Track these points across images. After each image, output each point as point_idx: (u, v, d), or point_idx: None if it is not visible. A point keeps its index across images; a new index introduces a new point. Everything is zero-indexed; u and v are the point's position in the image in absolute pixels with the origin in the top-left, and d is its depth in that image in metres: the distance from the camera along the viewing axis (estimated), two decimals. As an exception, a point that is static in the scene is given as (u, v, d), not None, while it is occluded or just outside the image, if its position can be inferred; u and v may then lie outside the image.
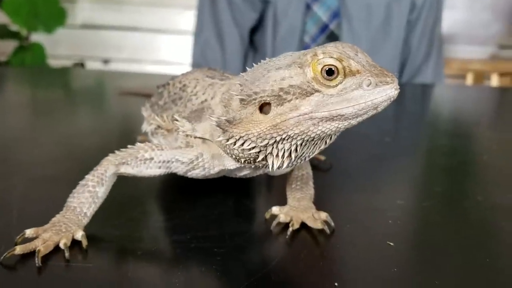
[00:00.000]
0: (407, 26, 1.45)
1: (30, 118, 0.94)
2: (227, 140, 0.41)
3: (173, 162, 0.46)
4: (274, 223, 0.45)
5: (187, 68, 1.42)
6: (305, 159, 0.41)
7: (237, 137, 0.40)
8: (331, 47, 0.38)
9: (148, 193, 0.54)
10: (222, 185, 0.54)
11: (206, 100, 0.46)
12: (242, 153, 0.41)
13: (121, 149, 0.46)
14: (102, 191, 0.44)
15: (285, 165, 0.40)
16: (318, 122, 0.38)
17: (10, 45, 2.13)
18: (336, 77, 0.37)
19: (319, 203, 0.49)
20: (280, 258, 0.41)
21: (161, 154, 0.46)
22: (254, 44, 1.51)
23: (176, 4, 2.32)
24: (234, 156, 0.42)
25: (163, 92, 0.54)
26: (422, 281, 0.38)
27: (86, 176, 0.44)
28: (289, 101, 0.38)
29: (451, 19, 1.95)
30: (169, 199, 0.53)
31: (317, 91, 0.37)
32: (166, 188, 0.55)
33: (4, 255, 0.38)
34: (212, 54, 1.44)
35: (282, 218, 0.45)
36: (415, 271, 0.40)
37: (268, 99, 0.38)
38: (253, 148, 0.40)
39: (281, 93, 0.38)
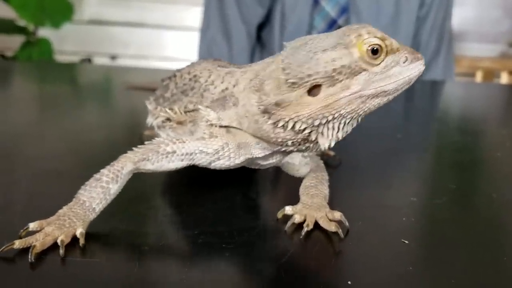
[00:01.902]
0: (417, 22, 1.43)
1: (36, 112, 0.94)
2: (275, 123, 0.41)
3: (196, 153, 0.45)
4: (289, 223, 0.44)
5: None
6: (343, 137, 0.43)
7: (287, 119, 0.40)
8: (366, 27, 0.40)
9: (154, 187, 0.53)
10: (230, 180, 0.53)
11: (227, 88, 0.46)
12: (292, 135, 0.41)
13: (139, 146, 0.45)
14: (115, 188, 0.42)
15: (332, 143, 0.41)
16: (366, 100, 0.40)
17: (17, 40, 2.13)
18: (380, 55, 0.39)
19: (330, 200, 0.47)
20: (291, 254, 0.40)
21: (183, 146, 0.45)
22: (261, 41, 1.50)
23: (182, 0, 2.32)
24: (279, 140, 0.42)
25: (169, 85, 0.54)
26: (437, 279, 0.37)
27: (102, 170, 0.43)
28: (340, 81, 0.39)
29: (461, 16, 1.93)
30: (175, 193, 0.52)
31: (364, 69, 0.39)
32: (173, 182, 0.54)
33: (2, 248, 0.37)
34: (218, 51, 1.44)
35: (297, 218, 0.44)
36: (429, 269, 0.38)
37: (321, 81, 0.39)
38: (304, 129, 0.41)
39: (334, 74, 0.39)
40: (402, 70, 0.40)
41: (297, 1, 1.38)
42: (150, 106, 0.57)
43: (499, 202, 0.51)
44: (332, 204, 0.46)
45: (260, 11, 1.41)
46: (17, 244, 0.38)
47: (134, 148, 0.45)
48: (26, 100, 1.02)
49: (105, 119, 0.89)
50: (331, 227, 0.43)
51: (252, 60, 1.46)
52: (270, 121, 0.41)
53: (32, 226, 0.40)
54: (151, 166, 0.45)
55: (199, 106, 0.47)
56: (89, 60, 2.22)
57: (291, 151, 0.44)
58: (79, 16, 2.30)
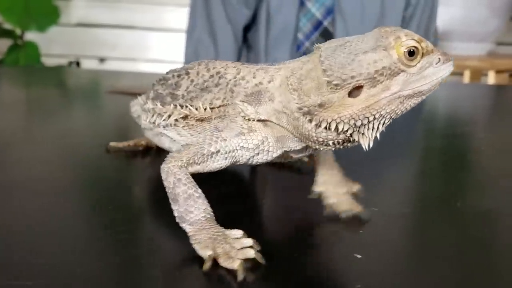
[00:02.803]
0: (402, 22, 1.44)
1: (22, 117, 0.93)
2: (317, 124, 0.42)
3: (238, 150, 0.46)
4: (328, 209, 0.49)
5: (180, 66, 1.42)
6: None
7: (329, 120, 0.41)
8: (403, 30, 0.41)
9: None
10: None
11: (261, 83, 0.46)
12: (334, 136, 0.42)
13: (177, 150, 0.45)
14: (201, 190, 0.43)
15: (371, 144, 0.42)
16: (404, 100, 0.41)
17: (4, 44, 2.12)
18: (416, 57, 0.40)
19: (294, 203, 0.48)
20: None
21: (226, 145, 0.45)
22: (248, 42, 1.50)
23: (169, 2, 2.31)
24: (321, 140, 0.43)
25: (180, 82, 0.52)
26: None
27: (177, 191, 0.42)
28: (381, 82, 0.40)
29: (448, 15, 1.93)
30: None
31: (402, 71, 0.40)
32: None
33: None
34: (205, 52, 1.43)
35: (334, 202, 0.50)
36: (384, 285, 0.38)
37: (364, 82, 0.40)
38: (347, 130, 0.42)
39: (375, 75, 0.40)
40: (435, 71, 0.42)
41: (283, 2, 1.38)
42: (151, 105, 0.55)
43: (464, 211, 0.51)
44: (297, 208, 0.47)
45: (246, 12, 1.41)
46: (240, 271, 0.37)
47: (174, 154, 0.45)
48: (12, 105, 1.02)
49: (93, 124, 0.89)
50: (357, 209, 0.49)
51: (238, 61, 1.45)
52: (313, 122, 0.42)
53: (207, 265, 0.39)
54: (198, 168, 0.45)
55: (235, 101, 0.46)
56: (77, 63, 2.21)
57: (343, 147, 0.45)
58: (67, 19, 2.30)
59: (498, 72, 2.01)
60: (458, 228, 0.47)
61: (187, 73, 0.52)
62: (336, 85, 0.40)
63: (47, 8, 2.02)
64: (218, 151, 0.45)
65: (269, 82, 0.45)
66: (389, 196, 0.56)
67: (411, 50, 0.40)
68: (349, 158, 0.55)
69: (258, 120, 0.46)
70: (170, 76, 0.54)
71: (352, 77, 0.40)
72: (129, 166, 0.64)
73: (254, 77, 0.46)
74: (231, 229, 0.41)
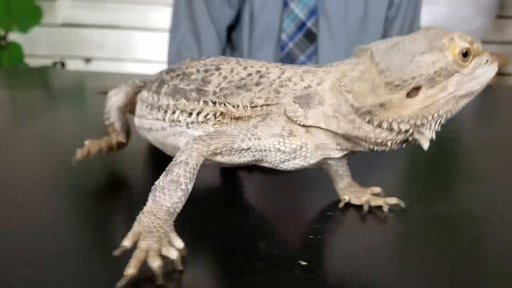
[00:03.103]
0: (385, 23, 1.44)
1: (7, 119, 0.93)
2: (378, 124, 0.42)
3: (271, 151, 0.45)
4: (366, 208, 0.51)
5: (165, 66, 1.41)
6: None
7: (390, 120, 0.42)
8: (456, 32, 0.43)
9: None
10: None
11: (310, 86, 0.45)
12: (393, 136, 0.43)
13: (209, 134, 0.44)
14: (191, 187, 0.41)
15: (428, 143, 0.43)
16: (458, 100, 0.43)
17: (-12, 45, 2.10)
18: (469, 58, 0.42)
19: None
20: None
21: (259, 144, 0.44)
22: (232, 42, 1.49)
23: (156, 1, 2.30)
24: (379, 140, 0.43)
25: (208, 78, 0.49)
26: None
27: (175, 170, 0.41)
28: (439, 82, 0.42)
29: (433, 14, 1.93)
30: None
31: (456, 71, 0.42)
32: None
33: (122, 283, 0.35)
34: (188, 52, 1.43)
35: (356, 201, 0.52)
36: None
37: (423, 83, 0.41)
38: (407, 130, 0.42)
39: (434, 76, 0.41)
40: (484, 71, 0.43)
41: (266, 3, 1.37)
42: (168, 101, 0.51)
43: (419, 216, 0.51)
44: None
45: (229, 12, 1.41)
46: (132, 270, 0.36)
47: (204, 138, 0.43)
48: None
49: (78, 125, 0.89)
50: (378, 202, 0.51)
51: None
52: (374, 122, 0.43)
53: (126, 243, 0.38)
54: (222, 159, 0.44)
55: (282, 101, 0.45)
56: (62, 64, 2.19)
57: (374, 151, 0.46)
58: (52, 19, 2.28)
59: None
60: (412, 233, 0.48)
61: (218, 68, 0.49)
62: (397, 85, 0.41)
63: (29, 8, 2.00)
64: (249, 148, 0.44)
65: (319, 84, 0.45)
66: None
67: (465, 51, 0.42)
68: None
69: (302, 125, 0.45)
70: (193, 70, 0.51)
71: (413, 78, 0.41)
72: (116, 165, 0.64)
73: (302, 80, 0.46)
74: (178, 237, 0.40)
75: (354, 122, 0.43)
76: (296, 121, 0.45)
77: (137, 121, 0.58)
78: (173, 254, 0.38)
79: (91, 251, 0.42)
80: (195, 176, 0.41)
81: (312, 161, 0.46)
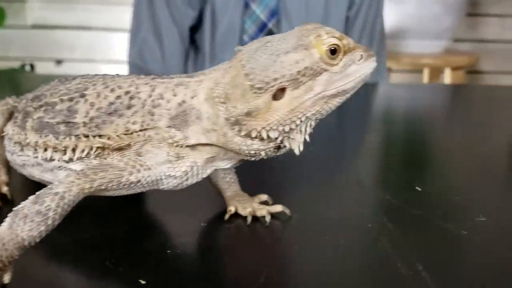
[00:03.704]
0: (346, 22, 1.43)
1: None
2: (247, 134, 0.40)
3: (162, 179, 0.42)
4: (249, 220, 0.48)
5: (127, 67, 1.40)
6: None
7: (259, 129, 0.40)
8: (324, 27, 0.40)
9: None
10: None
11: (184, 101, 0.42)
12: (265, 145, 0.41)
13: (93, 168, 0.40)
14: (58, 223, 0.37)
15: (302, 147, 0.41)
16: (328, 100, 0.40)
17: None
18: (338, 55, 0.39)
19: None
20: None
21: (149, 174, 0.41)
22: (195, 43, 1.49)
23: (127, 1, 2.28)
24: (252, 152, 0.41)
25: (74, 107, 0.44)
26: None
27: (47, 201, 0.36)
28: (304, 83, 0.39)
29: (401, 14, 1.94)
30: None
31: (324, 70, 0.39)
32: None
33: None
34: (150, 54, 1.42)
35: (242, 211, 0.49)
36: None
37: (287, 84, 0.39)
38: (277, 137, 0.40)
39: (298, 76, 0.39)
40: (358, 68, 0.41)
41: (228, 4, 1.37)
42: (37, 138, 0.45)
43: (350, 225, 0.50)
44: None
45: (190, 13, 1.40)
46: None
47: (85, 170, 0.39)
48: None
49: None
50: (263, 212, 0.49)
51: (186, 63, 1.44)
52: (242, 133, 0.40)
53: None
54: (106, 193, 0.41)
55: (158, 125, 0.42)
56: (31, 66, 2.17)
57: (272, 155, 0.43)
58: (22, 20, 2.26)
59: (454, 69, 2.02)
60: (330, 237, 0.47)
61: (83, 95, 0.44)
62: (259, 88, 0.39)
63: (-8, 10, 1.98)
64: (139, 181, 0.41)
65: (192, 98, 0.42)
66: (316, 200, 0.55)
67: (333, 48, 0.39)
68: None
69: (189, 145, 0.42)
70: (56, 100, 0.45)
71: (275, 79, 0.39)
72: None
73: (174, 95, 0.42)
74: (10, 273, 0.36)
75: (227, 135, 0.41)
76: (178, 145, 0.42)
77: (8, 156, 0.51)
78: None
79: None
80: (66, 212, 0.37)
81: (205, 176, 0.45)
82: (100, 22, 2.32)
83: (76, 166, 0.43)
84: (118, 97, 0.43)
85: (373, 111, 1.11)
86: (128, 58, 1.44)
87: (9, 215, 0.36)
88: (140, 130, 0.42)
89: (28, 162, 0.48)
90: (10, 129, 0.49)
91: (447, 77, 2.02)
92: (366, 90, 1.31)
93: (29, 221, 0.36)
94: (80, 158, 0.44)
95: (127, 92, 0.43)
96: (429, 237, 0.45)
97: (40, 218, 0.36)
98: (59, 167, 0.45)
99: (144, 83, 0.44)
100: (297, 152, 0.41)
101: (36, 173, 0.48)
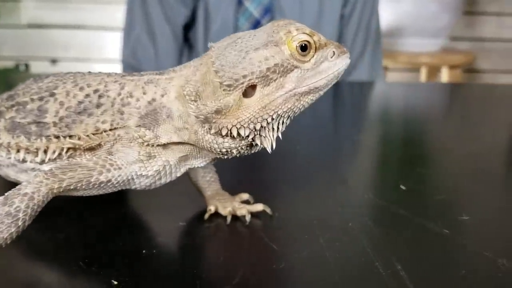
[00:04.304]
0: (341, 21, 1.42)
1: None
2: (217, 132, 0.39)
3: (134, 179, 0.42)
4: (229, 219, 0.47)
5: (120, 66, 1.39)
6: None
7: (229, 127, 0.39)
8: (294, 23, 0.40)
9: None
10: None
11: (154, 99, 0.41)
12: (236, 143, 0.40)
13: (61, 168, 0.39)
14: (28, 224, 0.37)
15: (274, 145, 0.40)
16: (300, 97, 0.39)
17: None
18: (309, 52, 0.39)
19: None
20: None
21: (119, 174, 0.41)
22: (189, 41, 1.48)
23: (121, 0, 2.28)
24: (224, 150, 0.40)
25: (44, 106, 0.44)
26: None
27: (16, 202, 0.36)
28: (274, 80, 0.38)
29: (398, 12, 1.93)
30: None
31: (296, 67, 0.39)
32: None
33: None
34: (143, 52, 1.41)
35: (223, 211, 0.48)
36: None
37: (256, 81, 0.38)
38: (248, 135, 0.39)
39: (268, 73, 0.38)
40: (331, 65, 0.40)
41: (221, 1, 1.36)
42: (9, 139, 0.45)
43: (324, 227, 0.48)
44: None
45: (183, 11, 1.39)
46: None
47: (53, 170, 0.39)
48: None
49: None
50: (242, 212, 0.47)
51: (180, 61, 1.43)
52: (212, 131, 0.39)
53: None
54: (76, 193, 0.40)
55: (128, 124, 0.41)
56: (25, 65, 2.17)
57: (245, 154, 0.42)
58: (17, 20, 2.25)
59: (452, 67, 2.01)
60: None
61: (52, 94, 0.44)
62: (229, 85, 0.38)
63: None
64: (109, 180, 0.40)
65: (163, 96, 0.41)
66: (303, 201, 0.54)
67: (303, 44, 0.38)
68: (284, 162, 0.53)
69: (160, 144, 0.42)
70: (27, 99, 0.45)
71: (244, 76, 0.38)
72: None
73: (144, 93, 0.42)
74: None
75: (197, 133, 0.40)
76: (149, 144, 0.41)
77: None
78: None
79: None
80: (37, 214, 0.37)
81: (179, 174, 0.44)
82: (95, 21, 2.32)
83: (49, 168, 0.41)
84: (87, 95, 0.43)
85: (369, 110, 1.10)
86: (121, 57, 1.43)
87: None
88: (110, 130, 0.42)
89: (3, 163, 0.47)
90: None
91: (444, 76, 2.01)
92: (362, 88, 1.30)
93: None
94: (52, 160, 0.43)
95: (96, 91, 0.43)
96: (410, 236, 0.44)
97: (10, 220, 0.36)
98: (32, 168, 0.45)
99: (113, 81, 0.43)
100: (269, 150, 0.40)
101: (11, 174, 0.47)
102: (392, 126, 0.92)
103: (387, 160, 0.70)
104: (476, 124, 0.92)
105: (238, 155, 0.41)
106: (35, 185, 0.37)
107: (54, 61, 2.35)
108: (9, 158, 0.45)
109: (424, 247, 0.42)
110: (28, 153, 0.44)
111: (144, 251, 0.42)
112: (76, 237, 0.45)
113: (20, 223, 0.36)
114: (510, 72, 2.43)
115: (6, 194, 0.37)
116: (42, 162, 0.43)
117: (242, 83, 0.38)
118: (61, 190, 0.38)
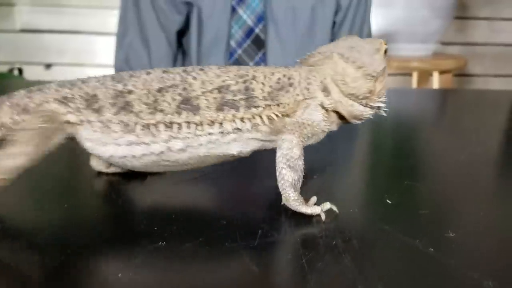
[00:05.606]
0: (333, 28, 1.44)
1: None
2: (367, 105, 0.55)
3: (320, 134, 0.55)
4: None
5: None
6: None
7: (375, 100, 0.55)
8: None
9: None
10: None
11: (321, 81, 0.54)
12: (373, 112, 0.56)
13: (301, 124, 0.53)
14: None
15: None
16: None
17: None
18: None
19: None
20: None
21: (318, 127, 0.54)
22: (183, 48, 1.48)
23: (115, 5, 2.28)
24: (365, 117, 0.56)
25: (250, 87, 0.53)
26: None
27: (299, 162, 0.51)
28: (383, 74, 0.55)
29: (389, 17, 1.94)
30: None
31: None
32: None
33: None
34: (137, 59, 1.41)
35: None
36: None
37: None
38: (379, 106, 0.56)
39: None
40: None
41: (214, 8, 1.36)
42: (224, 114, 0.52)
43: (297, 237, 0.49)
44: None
45: (177, 18, 1.40)
46: None
47: (294, 128, 0.52)
48: None
49: None
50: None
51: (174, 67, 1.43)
52: (368, 104, 0.54)
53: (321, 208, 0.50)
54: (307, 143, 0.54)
55: (315, 95, 0.54)
56: (19, 70, 2.16)
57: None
58: (11, 25, 2.25)
59: (443, 72, 2.02)
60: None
61: (253, 77, 0.53)
62: (373, 76, 0.53)
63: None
64: (314, 133, 0.54)
65: (325, 79, 0.54)
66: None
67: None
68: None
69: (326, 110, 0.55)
70: (232, 82, 0.52)
71: (381, 71, 0.54)
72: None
73: (314, 76, 0.54)
74: None
75: (354, 106, 0.55)
76: (326, 107, 0.55)
77: (103, 150, 0.51)
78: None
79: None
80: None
81: (322, 136, 0.56)
82: (89, 26, 2.32)
83: (256, 135, 0.53)
84: (279, 79, 0.54)
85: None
86: (114, 63, 1.43)
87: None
88: (303, 100, 0.54)
89: (193, 143, 0.53)
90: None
91: (435, 80, 2.02)
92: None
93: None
94: (255, 126, 0.53)
95: (284, 75, 0.54)
96: (394, 254, 0.44)
97: (300, 172, 0.51)
98: (235, 139, 0.53)
99: (294, 70, 0.55)
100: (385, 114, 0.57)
101: (202, 152, 0.53)
102: (381, 135, 0.92)
103: (374, 172, 0.70)
104: (467, 131, 0.93)
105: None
106: (296, 144, 0.52)
107: (48, 66, 2.34)
108: (222, 131, 0.52)
109: (408, 267, 0.42)
110: (243, 121, 0.53)
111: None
112: (53, 242, 0.45)
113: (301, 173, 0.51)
114: (502, 76, 2.45)
115: (281, 160, 0.51)
116: (251, 129, 0.53)
117: (378, 75, 0.53)
118: (302, 142, 0.52)
